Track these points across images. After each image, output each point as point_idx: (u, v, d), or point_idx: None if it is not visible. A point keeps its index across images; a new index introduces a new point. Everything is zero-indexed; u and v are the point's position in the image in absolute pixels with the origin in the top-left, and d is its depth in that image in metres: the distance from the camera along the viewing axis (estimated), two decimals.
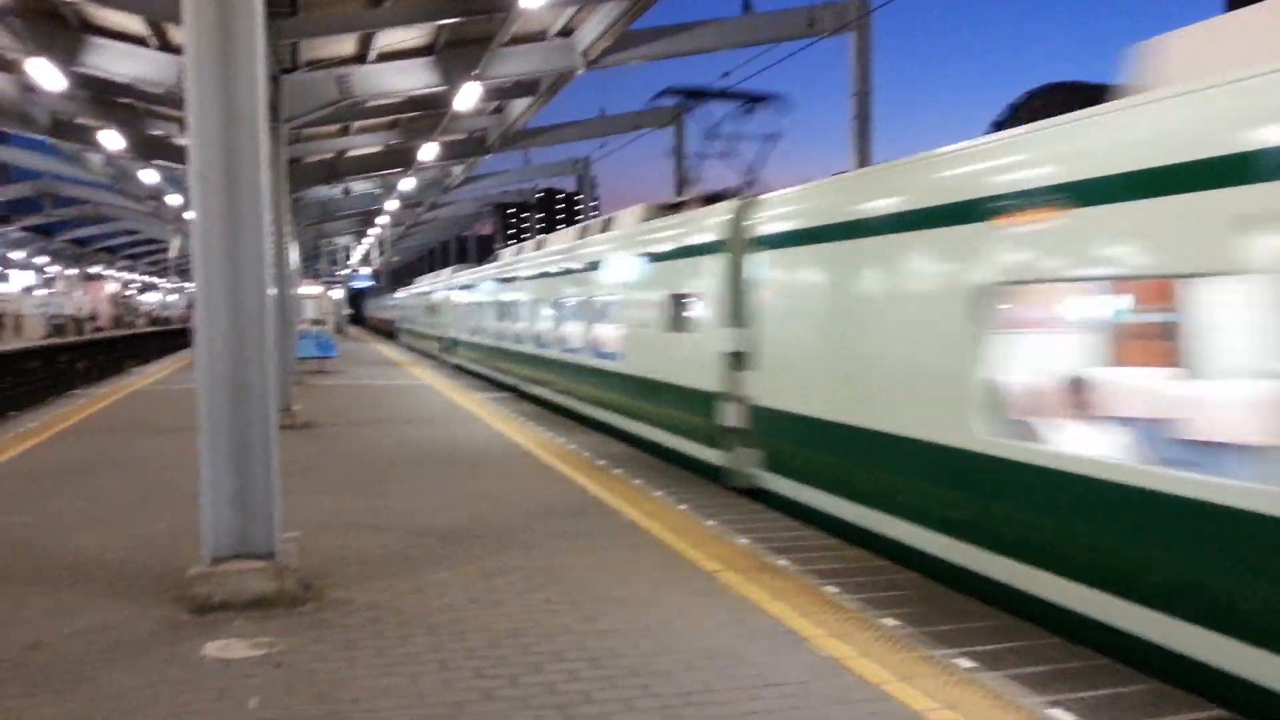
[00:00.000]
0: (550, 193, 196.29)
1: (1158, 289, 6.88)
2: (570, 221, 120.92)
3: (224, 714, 4.52)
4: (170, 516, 8.59)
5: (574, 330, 16.70)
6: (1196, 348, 6.58)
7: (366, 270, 65.63)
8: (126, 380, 25.28)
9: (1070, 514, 5.75)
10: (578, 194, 48.31)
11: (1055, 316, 7.40)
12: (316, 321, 47.55)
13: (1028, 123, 6.66)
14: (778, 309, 9.44)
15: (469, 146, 27.11)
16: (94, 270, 76.56)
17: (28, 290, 62.70)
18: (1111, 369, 7.18)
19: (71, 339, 51.64)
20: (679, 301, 11.70)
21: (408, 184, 31.14)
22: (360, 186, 35.38)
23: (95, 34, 16.03)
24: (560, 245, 18.31)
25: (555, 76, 19.23)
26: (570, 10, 16.19)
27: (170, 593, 6.28)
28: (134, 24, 15.70)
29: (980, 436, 6.48)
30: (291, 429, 14.21)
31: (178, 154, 23.31)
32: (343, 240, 59.79)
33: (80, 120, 22.33)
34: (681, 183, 27.13)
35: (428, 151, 24.13)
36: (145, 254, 79.48)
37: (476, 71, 17.03)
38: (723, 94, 13.70)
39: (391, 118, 23.71)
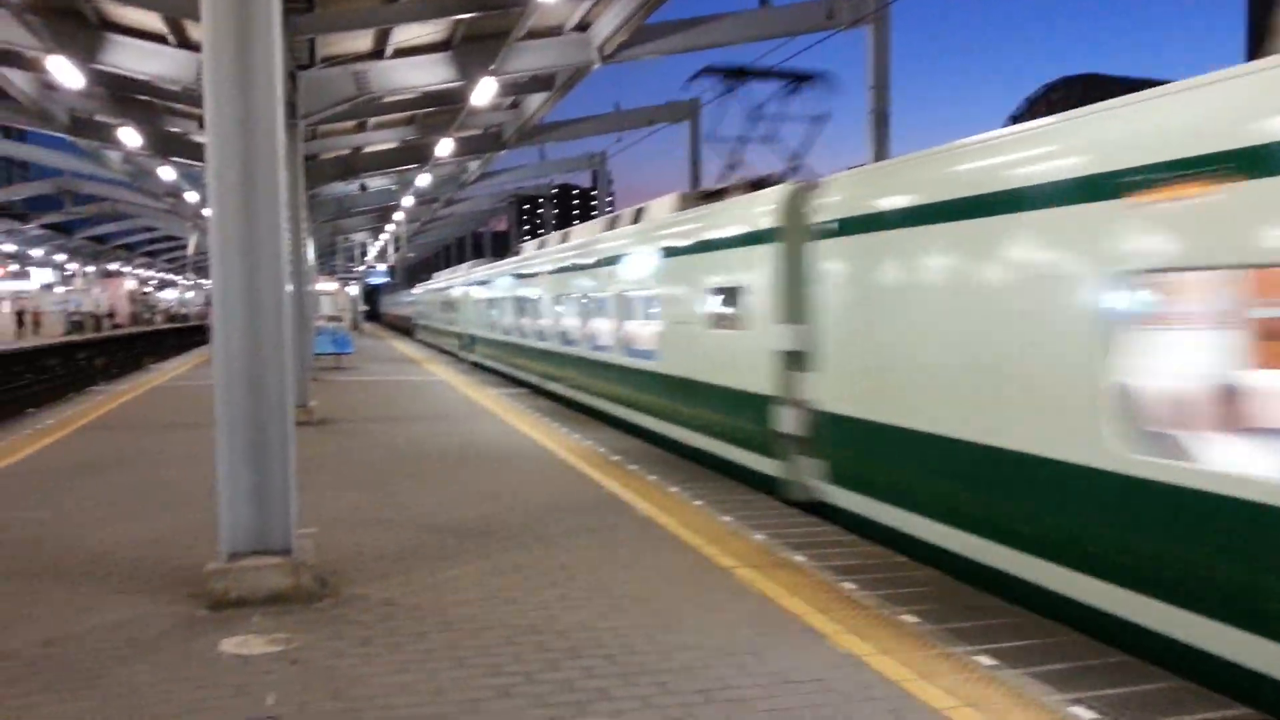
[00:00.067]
0: (565, 188, 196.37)
1: None
2: (585, 217, 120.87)
3: (241, 711, 4.52)
4: (187, 512, 8.62)
5: (604, 327, 15.94)
6: None
7: (382, 266, 65.81)
8: (145, 377, 25.40)
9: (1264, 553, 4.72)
10: (592, 189, 48.28)
11: (1223, 310, 6.26)
12: (333, 318, 47.79)
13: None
14: (848, 303, 8.40)
15: (485, 142, 27.12)
16: (112, 267, 77.10)
17: (47, 287, 63.18)
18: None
19: (90, 336, 52.03)
20: (724, 296, 10.89)
21: (424, 180, 31.19)
22: (376, 183, 35.44)
23: (114, 31, 16.10)
24: (588, 238, 17.56)
25: (571, 71, 19.19)
26: (586, 4, 16.16)
27: (187, 588, 6.29)
28: (153, 21, 15.75)
29: (1121, 454, 5.51)
30: (308, 425, 14.25)
31: (195, 151, 23.45)
32: (359, 236, 59.95)
33: (99, 118, 22.47)
34: (696, 177, 27.07)
35: (444, 147, 24.14)
36: (163, 251, 79.98)
37: (493, 67, 17.02)
38: (766, 73, 12.96)
39: (408, 114, 23.74)
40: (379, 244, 62.42)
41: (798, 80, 12.50)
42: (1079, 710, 4.56)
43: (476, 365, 29.43)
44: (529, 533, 7.92)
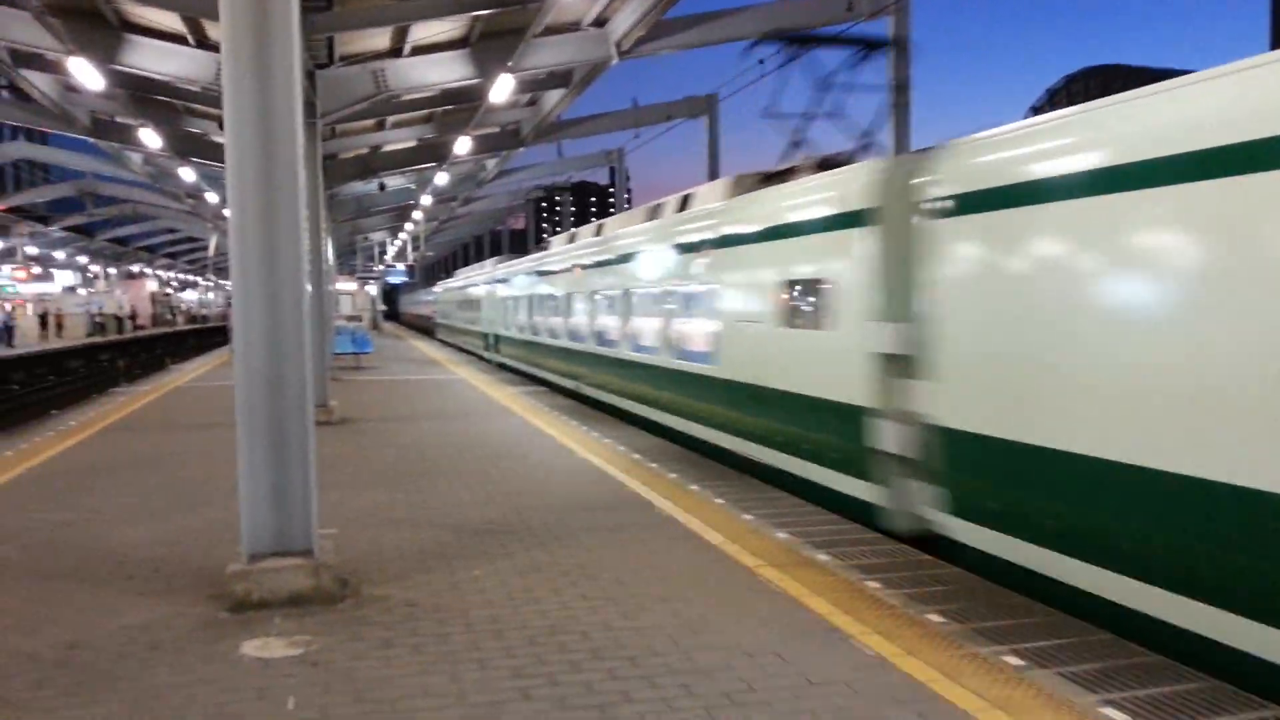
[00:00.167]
0: (581, 185, 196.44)
1: None
2: (604, 214, 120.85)
3: (262, 714, 4.49)
4: (209, 512, 8.62)
5: (646, 326, 14.71)
6: None
7: (400, 266, 65.98)
8: (167, 377, 25.53)
9: None
10: (610, 186, 48.27)
11: None
12: (352, 317, 47.95)
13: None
14: (983, 296, 6.81)
15: (503, 139, 27.13)
16: (134, 269, 77.64)
17: (70, 290, 63.69)
18: None
19: (112, 338, 52.37)
20: (800, 289, 9.51)
21: (442, 179, 31.23)
22: (395, 182, 35.51)
23: (134, 32, 16.18)
24: (627, 229, 16.27)
25: (589, 67, 19.15)
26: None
27: (209, 590, 6.28)
28: (172, 21, 15.81)
29: None
30: (328, 425, 14.26)
31: (215, 152, 23.54)
32: (378, 236, 60.13)
33: (120, 119, 22.60)
34: (714, 172, 26.96)
35: (462, 145, 24.16)
36: (184, 252, 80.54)
37: (510, 63, 16.99)
38: (834, 39, 11.72)
39: (426, 112, 23.76)
40: (398, 243, 62.60)
41: (869, 47, 11.24)
42: (1111, 712, 4.47)
43: (502, 367, 28.40)
44: (550, 531, 7.88)
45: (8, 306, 51.78)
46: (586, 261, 18.26)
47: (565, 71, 20.14)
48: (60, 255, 64.76)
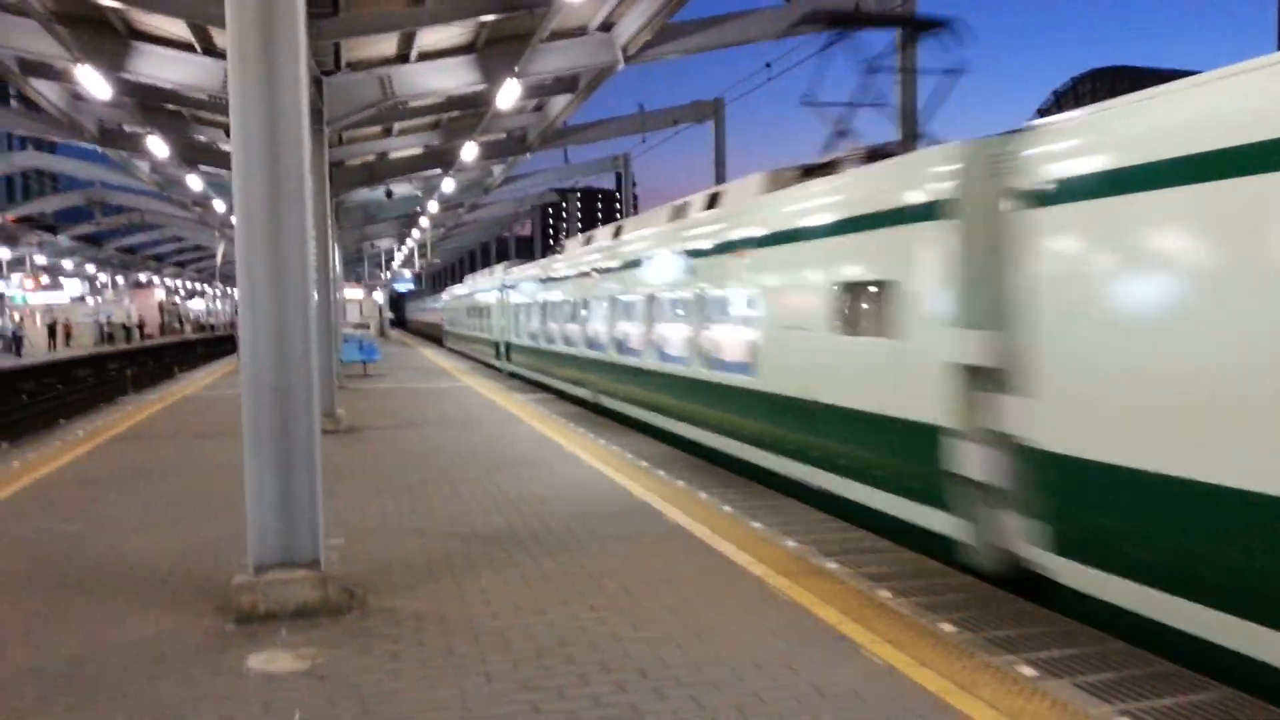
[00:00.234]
0: (588, 191, 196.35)
1: None
2: (610, 219, 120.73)
3: None
4: (216, 522, 8.59)
5: (675, 334, 13.76)
6: None
7: (407, 273, 66.05)
8: (175, 386, 25.56)
9: None
10: (616, 191, 48.26)
11: None
12: (360, 325, 47.95)
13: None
14: (1105, 299, 5.68)
15: (509, 146, 27.13)
16: (141, 277, 77.86)
17: (78, 299, 63.87)
18: None
19: (121, 347, 52.52)
20: (859, 292, 8.55)
21: (448, 185, 31.24)
22: (402, 189, 35.55)
23: (141, 40, 16.20)
24: (649, 230, 15.28)
25: (595, 72, 19.11)
26: (610, 4, 16.08)
27: (215, 601, 6.24)
28: (179, 29, 15.82)
29: None
30: (335, 433, 14.24)
31: (223, 160, 23.61)
32: (384, 243, 60.25)
33: (127, 128, 22.64)
34: (721, 176, 26.90)
35: (469, 151, 24.15)
36: (192, 260, 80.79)
37: (517, 68, 16.97)
38: (880, 20, 11.00)
39: (433, 118, 23.78)
40: (405, 250, 62.66)
41: (917, 28, 10.38)
42: None
43: (513, 376, 27.18)
44: (557, 540, 7.83)
45: (16, 317, 52.00)
46: (604, 265, 17.28)
47: (571, 77, 20.11)
48: (69, 264, 64.97)
